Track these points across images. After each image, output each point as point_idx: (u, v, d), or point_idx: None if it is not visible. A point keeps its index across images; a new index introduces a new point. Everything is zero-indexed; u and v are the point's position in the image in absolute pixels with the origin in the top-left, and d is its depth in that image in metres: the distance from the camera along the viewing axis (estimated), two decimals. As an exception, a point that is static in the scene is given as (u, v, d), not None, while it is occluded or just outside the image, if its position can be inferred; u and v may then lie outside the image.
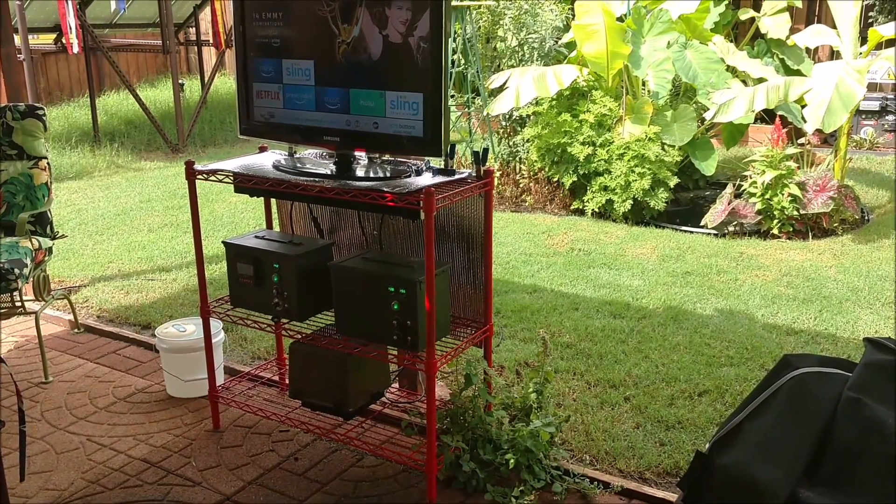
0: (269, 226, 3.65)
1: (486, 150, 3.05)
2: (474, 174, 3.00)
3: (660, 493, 2.98)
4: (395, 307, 2.87)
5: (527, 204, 7.07)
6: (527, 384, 3.27)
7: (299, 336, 3.21)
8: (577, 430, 3.44)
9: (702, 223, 6.14)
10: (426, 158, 3.11)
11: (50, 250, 4.32)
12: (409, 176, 2.97)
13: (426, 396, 2.84)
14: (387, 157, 3.26)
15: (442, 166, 3.03)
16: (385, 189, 2.75)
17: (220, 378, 3.88)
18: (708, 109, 6.32)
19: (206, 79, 11.42)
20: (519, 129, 7.52)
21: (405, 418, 3.45)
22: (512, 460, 2.95)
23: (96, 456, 3.35)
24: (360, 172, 3.07)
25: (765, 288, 5.01)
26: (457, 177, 2.95)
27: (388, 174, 3.01)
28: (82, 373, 4.13)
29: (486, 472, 3.02)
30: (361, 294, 2.95)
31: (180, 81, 10.74)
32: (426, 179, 2.90)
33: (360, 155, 3.22)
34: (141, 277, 5.51)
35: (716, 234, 6.05)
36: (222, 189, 7.68)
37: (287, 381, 3.80)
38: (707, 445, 2.17)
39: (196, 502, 3.02)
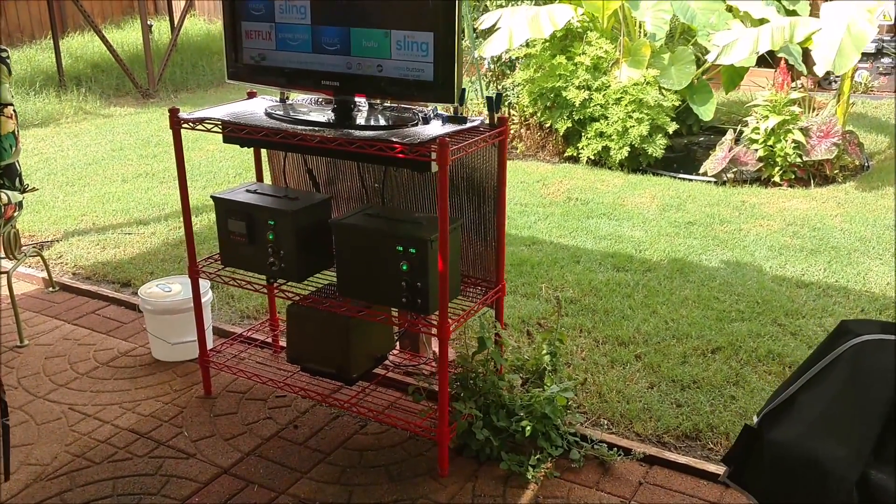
0: (260, 178, 3.40)
1: (499, 96, 2.80)
2: (487, 122, 2.76)
3: (682, 459, 2.84)
4: (404, 268, 2.65)
5: (518, 151, 6.83)
6: (539, 346, 3.09)
7: (296, 298, 2.99)
8: (590, 392, 3.29)
9: (701, 171, 5.96)
10: (433, 105, 2.86)
11: (20, 204, 4.03)
12: (416, 124, 2.72)
13: (439, 363, 2.65)
14: (388, 103, 3.01)
15: (449, 113, 2.78)
16: (394, 139, 2.51)
17: (210, 341, 3.66)
18: (707, 52, 6.08)
19: (176, 21, 10.90)
20: (508, 72, 7.22)
21: (410, 382, 3.27)
22: (528, 427, 2.79)
23: (80, 426, 3.13)
24: (360, 120, 2.81)
25: (770, 238, 4.86)
26: (469, 125, 2.71)
27: (392, 122, 2.76)
28: (60, 335, 3.89)
29: (500, 439, 2.86)
30: (366, 254, 2.73)
31: (148, 23, 10.22)
32: (436, 128, 2.66)
33: (360, 101, 2.96)
34: (117, 231, 5.23)
35: (715, 182, 5.87)
36: (198, 137, 7.34)
37: (280, 343, 3.60)
38: (755, 419, 2.01)
39: (191, 476, 2.82)
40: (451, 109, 2.74)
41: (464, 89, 2.73)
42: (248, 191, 3.06)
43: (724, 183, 5.84)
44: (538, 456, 2.80)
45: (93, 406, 3.27)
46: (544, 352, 3.03)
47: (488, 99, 2.75)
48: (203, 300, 3.46)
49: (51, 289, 4.39)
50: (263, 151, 3.42)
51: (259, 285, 3.06)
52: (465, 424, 2.81)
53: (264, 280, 3.10)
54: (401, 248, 2.64)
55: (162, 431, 3.09)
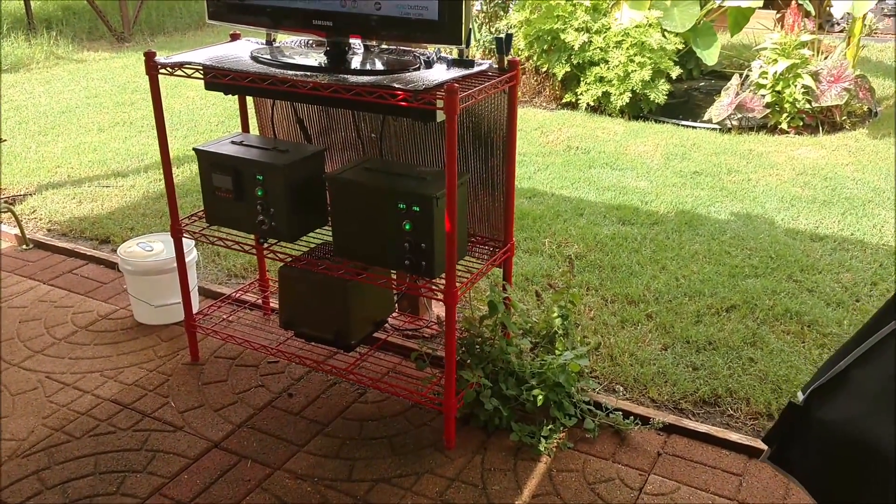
0: (246, 129, 3.14)
1: (509, 37, 2.55)
2: (496, 66, 2.51)
3: (702, 427, 2.68)
4: (408, 227, 2.43)
5: (512, 97, 6.54)
6: (550, 308, 2.90)
7: (288, 259, 2.77)
8: (601, 355, 3.11)
9: (705, 117, 5.72)
10: (435, 47, 2.61)
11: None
12: (419, 68, 2.47)
13: (445, 330, 2.45)
14: (384, 45, 2.75)
15: (454, 56, 2.53)
16: (396, 85, 2.26)
17: (196, 303, 3.45)
18: (712, -9, 5.79)
19: (151, -42, 10.38)
20: (502, 13, 6.90)
21: (411, 346, 3.08)
22: (540, 396, 2.61)
23: (58, 397, 2.92)
24: (356, 64, 2.56)
25: (781, 189, 4.66)
26: (476, 69, 2.46)
27: (391, 66, 2.51)
28: (35, 297, 3.65)
29: (509, 408, 2.68)
30: (365, 212, 2.50)
31: (122, -39, 9.71)
32: (441, 73, 2.41)
33: (356, 43, 2.70)
34: (94, 184, 4.95)
35: (720, 130, 5.64)
36: (177, 83, 7.01)
37: (272, 305, 3.39)
38: (800, 395, 1.83)
39: (179, 451, 2.63)
40: (456, 52, 2.49)
41: (471, 29, 2.47)
42: (233, 142, 2.81)
43: (728, 130, 5.62)
44: (550, 426, 2.63)
45: (71, 374, 3.06)
46: (555, 315, 2.83)
47: (497, 40, 2.50)
48: (187, 260, 3.24)
49: (24, 246, 4.13)
50: (249, 99, 3.15)
51: (248, 245, 2.83)
52: (473, 394, 2.63)
53: (253, 240, 2.88)
54: (403, 206, 2.42)
55: (146, 402, 2.88)
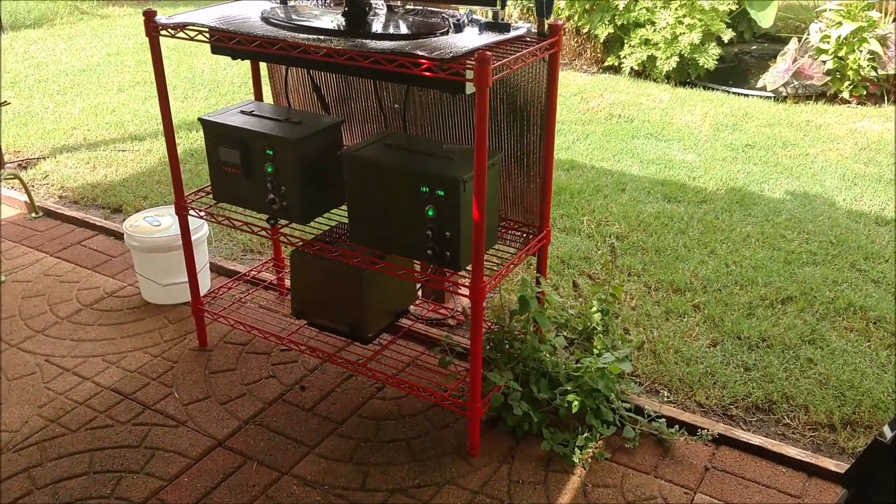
0: (259, 97, 2.87)
1: (550, -3, 2.23)
2: (535, 30, 2.21)
3: (755, 439, 2.40)
4: (430, 213, 2.16)
5: (551, 59, 6.18)
6: (589, 301, 2.62)
7: (299, 243, 2.52)
8: (643, 351, 2.83)
9: (759, 85, 5.32)
10: (467, 8, 2.31)
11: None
12: (447, 32, 2.18)
13: (471, 328, 2.19)
14: (410, 5, 2.45)
15: (488, 18, 2.23)
16: (420, 52, 1.97)
17: (206, 282, 3.22)
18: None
19: None
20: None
21: (433, 336, 2.83)
22: (576, 403, 2.35)
23: (57, 384, 2.73)
24: (377, 27, 2.27)
25: (841, 165, 4.29)
26: (513, 34, 2.16)
27: (416, 29, 2.22)
28: (40, 270, 3.46)
29: (540, 413, 2.43)
30: (384, 194, 2.23)
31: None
32: (471, 38, 2.11)
33: (377, 2, 2.41)
34: (110, 147, 4.74)
35: (773, 98, 5.25)
36: (201, 40, 6.74)
37: (286, 285, 3.15)
38: (888, 430, 1.54)
39: (180, 450, 2.43)
40: (490, 14, 2.19)
41: (507, -12, 2.16)
42: (242, 112, 2.55)
43: (784, 99, 5.22)
44: (586, 434, 2.37)
45: (72, 358, 2.86)
46: (594, 309, 2.56)
47: (538, 1, 2.18)
48: (196, 236, 3.01)
49: (33, 215, 3.94)
50: (263, 64, 2.88)
51: (258, 227, 2.58)
52: (501, 398, 2.37)
53: (264, 219, 2.63)
54: (426, 189, 2.14)
55: (149, 392, 2.68)
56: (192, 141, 4.80)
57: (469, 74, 1.95)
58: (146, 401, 2.64)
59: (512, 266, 2.31)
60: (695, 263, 3.37)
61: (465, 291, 2.17)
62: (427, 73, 1.97)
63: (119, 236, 3.69)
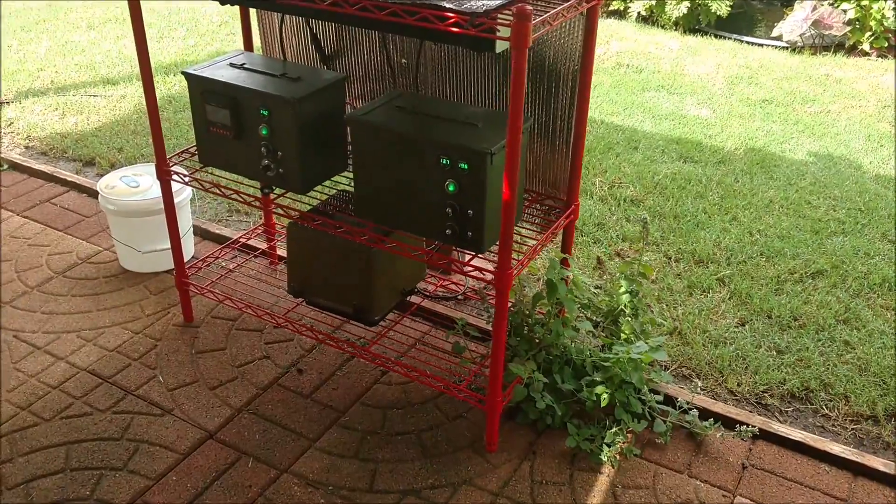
0: (249, 46, 2.56)
1: (590, -61, 1.93)
2: (572, -22, 1.92)
3: (795, 434, 2.21)
4: (451, 188, 1.90)
5: (551, 2, 5.83)
6: (616, 282, 2.39)
7: (296, 215, 2.25)
8: (667, 328, 2.63)
9: (774, 34, 5.04)
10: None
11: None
12: (471, -21, 1.88)
13: (495, 318, 1.96)
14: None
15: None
16: (446, 5, 1.68)
17: (189, 248, 2.95)
18: None
19: None
20: None
21: (440, 312, 2.60)
22: (605, 396, 2.14)
23: (27, 364, 2.47)
24: (390, -30, 1.96)
25: (866, 124, 4.06)
26: (549, -17, 1.87)
27: (436, -25, 1.92)
28: (6, 231, 3.16)
29: (565, 405, 2.22)
30: (397, 166, 1.97)
31: None
32: (502, -13, 1.82)
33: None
34: (80, 92, 4.38)
35: (789, 49, 4.97)
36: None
37: (279, 252, 2.89)
38: None
39: (167, 443, 2.19)
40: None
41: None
42: (232, 65, 2.25)
43: (800, 50, 4.95)
44: (614, 430, 2.17)
45: (43, 334, 2.60)
46: (622, 290, 2.33)
47: (577, -56, 1.89)
48: (178, 199, 2.74)
49: (-3, 167, 3.62)
50: (253, 10, 2.56)
51: (251, 197, 2.30)
52: (524, 391, 2.16)
53: (256, 185, 2.36)
54: (447, 162, 1.88)
55: (130, 375, 2.43)
56: (169, 86, 4.45)
57: (503, 31, 1.67)
58: (127, 385, 2.39)
59: (539, 247, 2.06)
60: (716, 232, 3.15)
61: (490, 278, 1.93)
62: (454, 30, 1.69)
63: (92, 193, 3.39)
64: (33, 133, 3.90)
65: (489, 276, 1.92)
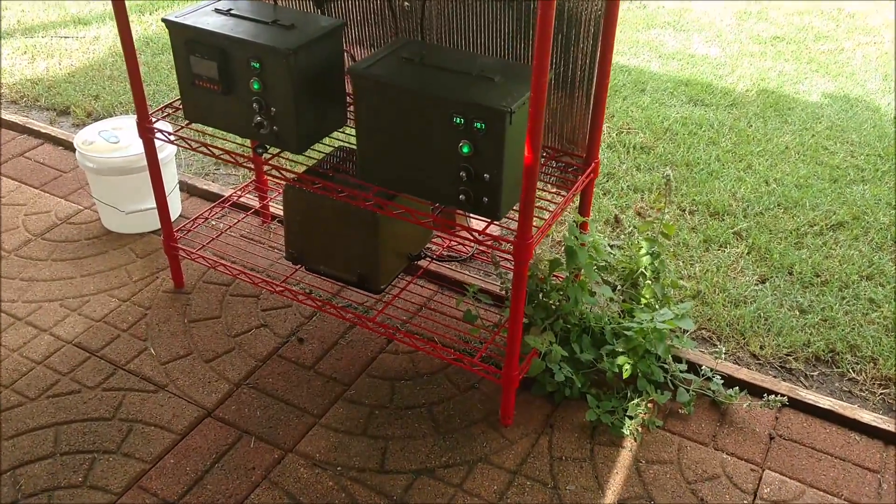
0: (235, -12, 2.33)
1: None
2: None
3: (824, 402, 2.11)
4: (465, 150, 1.73)
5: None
6: (636, 243, 2.25)
7: (294, 176, 2.07)
8: (685, 288, 2.50)
9: (782, -36, 4.79)
10: None
11: None
12: (486, -86, 1.68)
13: (513, 290, 1.82)
14: None
15: None
16: (463, -54, 1.49)
17: (176, 206, 2.78)
18: None
19: None
20: None
21: (445, 275, 2.46)
22: (627, 366, 2.02)
23: (9, 337, 2.32)
24: None
25: (882, 62, 3.88)
26: (574, -82, 1.67)
27: None
28: (-21, 190, 2.96)
29: (583, 375, 2.10)
30: (404, 125, 1.79)
31: None
32: (523, -77, 1.62)
33: None
34: (49, 33, 4.10)
35: (797, -20, 4.73)
36: None
37: (271, 210, 2.73)
38: None
39: (162, 422, 2.06)
40: None
41: None
42: (218, 11, 2.04)
43: (809, -19, 4.71)
44: (636, 401, 2.06)
45: (24, 304, 2.44)
46: (643, 251, 2.19)
47: None
48: (163, 155, 2.54)
49: (-35, 119, 3.38)
50: (236, -56, 2.32)
51: (242, 157, 2.12)
52: (542, 365, 2.03)
53: (248, 144, 2.17)
54: (461, 121, 1.71)
55: (119, 347, 2.28)
56: (146, 26, 4.18)
57: (527, -24, 1.48)
58: (117, 359, 2.25)
59: (559, 211, 1.91)
60: (731, 181, 3.00)
61: (509, 248, 1.78)
62: (473, -26, 1.49)
63: (69, 146, 3.18)
64: (2, 80, 3.65)
65: (508, 247, 1.77)
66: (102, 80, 3.65)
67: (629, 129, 3.30)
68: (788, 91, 3.60)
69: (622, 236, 2.66)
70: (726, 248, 2.69)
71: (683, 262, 2.61)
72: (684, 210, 2.86)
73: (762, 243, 2.69)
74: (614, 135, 3.25)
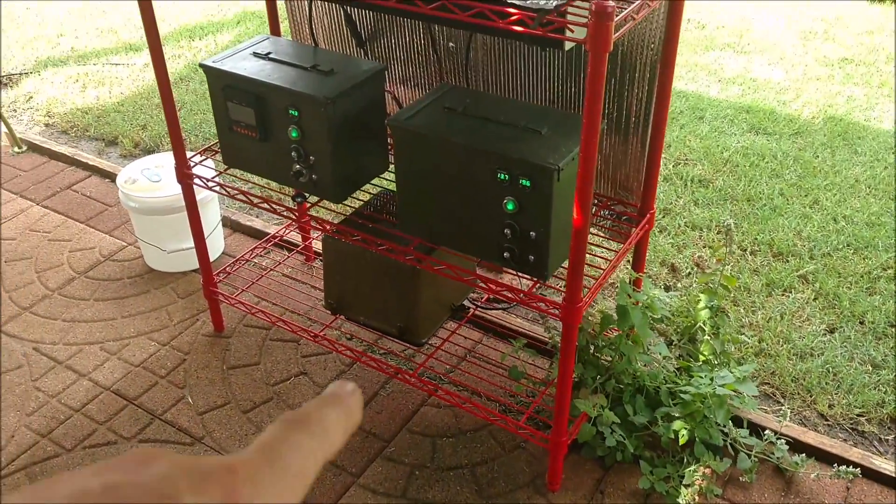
0: (276, 29, 2.27)
1: None
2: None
3: (900, 471, 1.95)
4: (510, 207, 1.63)
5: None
6: (693, 297, 2.11)
7: (333, 225, 2.00)
8: (742, 335, 2.35)
9: (850, -20, 4.57)
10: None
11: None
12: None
13: (561, 353, 1.70)
14: None
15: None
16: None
17: (219, 243, 2.73)
18: None
19: None
20: None
21: (492, 320, 2.35)
22: (684, 432, 1.89)
23: (48, 382, 2.29)
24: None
25: (960, 86, 3.65)
26: (629, -38, 1.55)
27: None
28: (25, 224, 2.96)
29: (636, 438, 1.98)
30: (446, 178, 1.70)
31: None
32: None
33: None
34: (101, 60, 4.13)
35: (867, -4, 4.51)
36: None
37: (315, 248, 2.66)
38: None
39: (197, 479, 2.00)
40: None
41: None
42: (256, 55, 1.97)
43: (880, -3, 4.49)
44: (693, 467, 1.92)
45: (65, 346, 2.41)
46: (701, 305, 2.05)
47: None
48: (202, 196, 2.49)
49: (16, 149, 3.41)
50: (278, -18, 2.27)
51: (281, 206, 2.05)
52: (593, 431, 1.91)
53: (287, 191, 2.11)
54: (505, 177, 1.60)
55: (157, 395, 2.24)
56: (195, 52, 4.18)
57: (575, 29, 1.38)
58: (154, 408, 2.20)
59: (611, 269, 1.79)
60: (796, 218, 2.83)
61: (556, 312, 1.67)
62: (517, 29, 1.39)
63: (115, 178, 3.16)
64: (53, 109, 3.68)
65: (555, 311, 1.66)
66: (151, 108, 3.64)
67: (686, 160, 3.15)
68: (858, 118, 3.40)
69: (678, 284, 2.52)
70: (791, 293, 2.52)
71: (745, 308, 2.46)
72: (745, 250, 2.70)
73: (830, 288, 2.52)
74: (671, 166, 3.11)
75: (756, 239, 2.74)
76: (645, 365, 2.01)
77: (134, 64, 4.07)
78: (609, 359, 1.99)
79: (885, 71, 3.76)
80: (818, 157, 3.16)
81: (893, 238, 2.72)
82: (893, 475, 1.94)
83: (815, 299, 2.50)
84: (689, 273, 2.58)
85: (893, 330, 2.38)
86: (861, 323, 2.41)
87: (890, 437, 2.09)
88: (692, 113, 3.45)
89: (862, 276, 2.57)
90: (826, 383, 2.21)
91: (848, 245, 2.71)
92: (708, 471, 1.95)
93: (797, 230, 2.78)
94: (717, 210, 2.88)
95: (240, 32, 4.39)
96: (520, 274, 1.86)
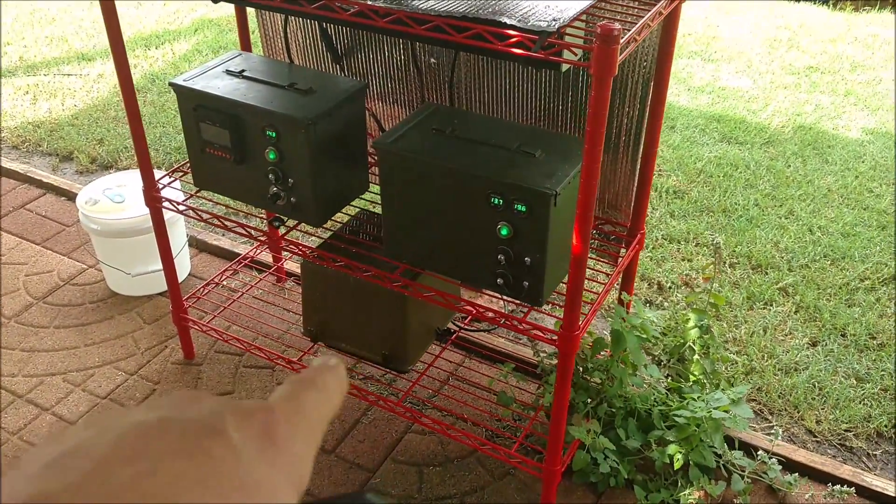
0: (246, 44, 2.18)
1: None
2: (649, -30, 1.55)
3: (891, 488, 1.94)
4: (504, 232, 1.56)
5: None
6: (682, 318, 2.08)
7: (311, 248, 1.91)
8: (727, 351, 2.33)
9: (810, -13, 4.63)
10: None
11: None
12: (526, -26, 1.51)
13: (556, 383, 1.65)
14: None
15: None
16: (506, 20, 1.32)
17: (185, 264, 2.62)
18: None
19: None
20: None
21: (476, 341, 2.29)
22: (679, 456, 1.85)
23: (8, 417, 2.16)
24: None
25: (922, 93, 3.70)
26: (624, -20, 1.50)
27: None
28: (-22, 247, 2.81)
29: (629, 463, 1.93)
30: (436, 202, 1.63)
31: None
32: (569, -13, 1.45)
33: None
34: (52, 70, 3.96)
35: (827, 3, 4.57)
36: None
37: (286, 269, 2.57)
38: None
39: (173, 520, 1.90)
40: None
41: None
42: (229, 72, 1.88)
43: (840, 5, 4.54)
44: (687, 491, 1.88)
45: (24, 378, 2.28)
46: (690, 324, 2.02)
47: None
48: (169, 216, 2.38)
49: (-36, 167, 3.23)
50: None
51: (258, 231, 1.96)
52: (587, 459, 1.86)
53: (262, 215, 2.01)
54: (498, 202, 1.54)
55: (126, 430, 2.12)
56: (151, 61, 4.03)
57: (576, 53, 1.32)
58: (123, 444, 2.08)
59: (604, 295, 1.74)
60: (772, 230, 2.83)
61: (553, 339, 1.61)
62: (517, 51, 1.33)
63: (72, 196, 3.03)
64: (2, 123, 3.50)
65: (552, 337, 1.60)
66: (107, 121, 3.50)
67: (660, 170, 3.13)
68: (826, 126, 3.43)
69: (665, 302, 2.48)
70: (772, 306, 2.51)
71: (727, 323, 2.44)
72: (724, 262, 2.69)
73: (810, 301, 2.52)
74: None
75: (734, 251, 2.73)
76: (636, 387, 1.97)
77: (87, 74, 3.91)
78: (599, 381, 1.95)
79: (849, 79, 3.80)
80: (790, 166, 3.17)
81: (868, 249, 2.73)
82: (885, 492, 1.93)
83: (796, 312, 2.49)
84: (671, 287, 2.56)
85: (875, 342, 2.38)
86: (843, 336, 2.41)
87: (878, 452, 2.09)
88: (664, 122, 3.43)
89: (840, 288, 2.57)
90: (812, 398, 2.20)
91: (825, 256, 2.71)
92: (702, 494, 1.92)
93: (774, 241, 2.77)
94: (693, 222, 2.86)
95: (198, 41, 4.25)
96: (504, 297, 1.80)
